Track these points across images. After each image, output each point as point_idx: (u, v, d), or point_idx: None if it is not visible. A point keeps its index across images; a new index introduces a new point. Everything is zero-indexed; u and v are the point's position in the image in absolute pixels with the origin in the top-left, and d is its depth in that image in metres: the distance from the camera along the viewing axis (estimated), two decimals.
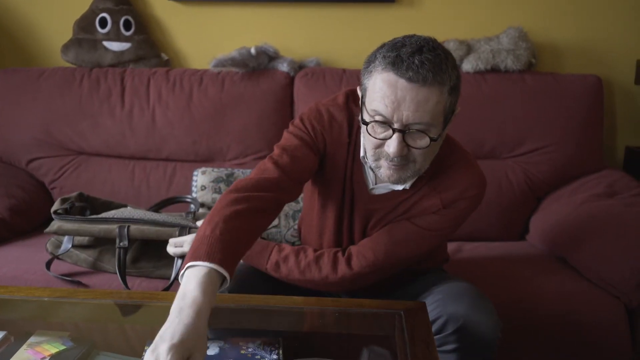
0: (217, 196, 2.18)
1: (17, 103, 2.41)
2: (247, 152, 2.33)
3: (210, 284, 1.14)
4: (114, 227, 1.79)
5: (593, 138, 2.33)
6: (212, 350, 1.36)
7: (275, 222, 1.97)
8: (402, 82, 1.25)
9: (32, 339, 1.39)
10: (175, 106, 2.36)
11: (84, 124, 2.38)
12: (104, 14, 2.46)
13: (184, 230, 1.74)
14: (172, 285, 1.73)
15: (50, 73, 2.44)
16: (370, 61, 1.32)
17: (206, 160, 2.37)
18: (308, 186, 1.61)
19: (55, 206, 1.86)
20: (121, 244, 1.78)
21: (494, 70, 2.33)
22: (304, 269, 1.49)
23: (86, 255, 1.87)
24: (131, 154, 2.40)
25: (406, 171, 1.34)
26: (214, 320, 1.48)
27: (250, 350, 1.37)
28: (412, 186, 1.44)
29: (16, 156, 2.44)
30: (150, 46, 2.53)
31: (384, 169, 1.35)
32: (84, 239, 1.87)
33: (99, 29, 2.47)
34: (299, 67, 2.45)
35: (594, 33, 2.49)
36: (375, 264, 1.47)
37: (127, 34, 2.48)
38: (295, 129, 1.48)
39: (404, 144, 1.28)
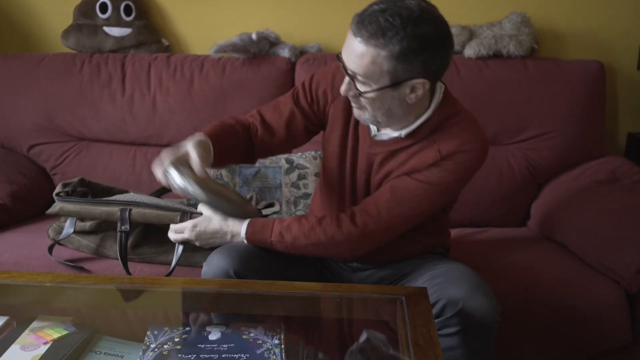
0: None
1: (18, 89, 2.41)
2: None
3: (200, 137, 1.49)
4: (116, 210, 1.78)
5: (595, 124, 2.32)
6: (215, 335, 1.37)
7: (277, 207, 1.97)
8: (351, 34, 1.37)
9: (34, 324, 1.40)
10: (176, 92, 2.35)
11: (85, 109, 2.38)
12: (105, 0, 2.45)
13: (185, 215, 1.74)
14: (174, 271, 1.74)
15: (50, 59, 2.43)
16: None
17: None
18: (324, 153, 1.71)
19: (57, 190, 1.87)
20: (122, 227, 1.78)
21: (497, 55, 2.32)
22: (308, 232, 1.51)
23: (88, 242, 1.88)
24: (132, 140, 2.40)
25: (363, 114, 1.47)
26: (217, 306, 1.49)
27: (252, 335, 1.38)
28: (411, 137, 1.51)
29: (17, 142, 2.44)
30: (151, 32, 2.52)
31: (353, 107, 1.51)
32: (85, 225, 1.87)
33: (100, 15, 2.46)
34: (300, 52, 2.44)
35: (596, 19, 2.48)
36: (378, 220, 1.49)
37: (128, 19, 2.47)
38: (299, 87, 1.66)
39: (349, 86, 1.42)
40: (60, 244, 1.89)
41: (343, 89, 1.44)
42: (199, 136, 1.50)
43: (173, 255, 1.76)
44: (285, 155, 2.21)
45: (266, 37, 2.38)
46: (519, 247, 2.06)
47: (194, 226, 1.60)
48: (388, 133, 1.54)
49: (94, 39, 2.46)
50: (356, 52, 1.36)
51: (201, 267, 1.60)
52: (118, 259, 1.78)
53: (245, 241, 1.56)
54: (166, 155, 1.45)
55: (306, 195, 2.16)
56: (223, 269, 1.50)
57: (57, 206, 1.82)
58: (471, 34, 2.39)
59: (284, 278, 1.54)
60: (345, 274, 1.71)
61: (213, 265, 1.53)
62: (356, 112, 1.50)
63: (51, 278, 1.47)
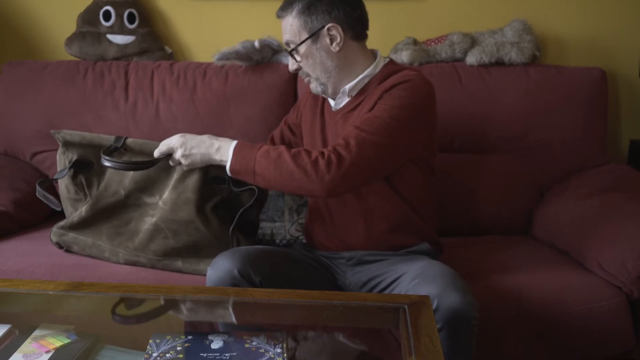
0: None
1: (21, 96, 2.41)
2: None
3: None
4: (111, 137, 1.82)
5: (597, 131, 2.32)
6: (217, 344, 1.37)
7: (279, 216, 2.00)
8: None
9: (36, 332, 1.40)
10: (179, 99, 2.36)
11: (88, 117, 2.38)
12: (108, 7, 2.46)
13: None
14: (168, 278, 1.74)
15: (54, 66, 2.44)
16: None
17: None
18: None
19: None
20: (114, 144, 1.80)
21: (498, 63, 2.32)
22: (294, 153, 1.58)
23: (84, 237, 1.88)
24: None
25: (312, 82, 1.76)
26: (219, 315, 1.49)
27: (254, 344, 1.38)
28: (362, 93, 1.73)
29: (20, 149, 2.44)
30: (154, 39, 2.53)
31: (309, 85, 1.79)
32: (77, 216, 1.87)
33: (103, 22, 2.47)
34: None
35: (598, 26, 2.48)
36: (348, 146, 1.57)
37: (131, 27, 2.48)
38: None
39: (292, 61, 1.75)
40: (61, 247, 1.89)
41: (289, 65, 1.75)
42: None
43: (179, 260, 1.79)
44: None
45: (269, 45, 2.38)
46: (520, 253, 2.06)
47: (182, 135, 1.68)
48: (342, 100, 1.76)
49: (97, 46, 2.47)
50: (283, 27, 1.73)
51: (204, 275, 1.61)
52: (115, 262, 1.82)
53: (230, 154, 1.61)
54: None
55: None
56: (228, 270, 1.54)
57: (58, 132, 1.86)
58: (473, 41, 2.39)
59: (286, 277, 1.60)
60: (340, 274, 1.78)
61: (218, 268, 1.56)
62: (311, 87, 1.77)
63: (54, 286, 1.47)
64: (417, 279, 1.54)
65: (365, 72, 1.73)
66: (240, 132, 2.33)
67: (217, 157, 1.63)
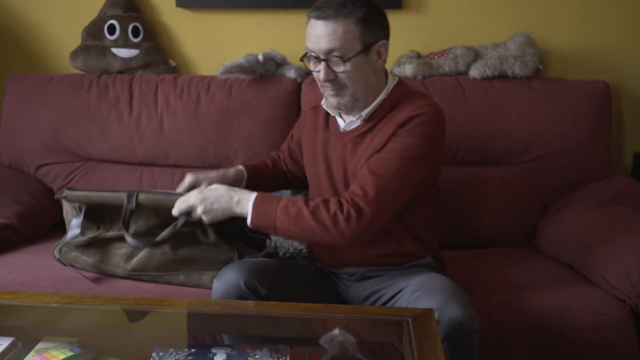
0: None
1: (26, 109, 2.42)
2: (254, 158, 2.33)
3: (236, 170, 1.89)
4: (123, 196, 1.79)
5: (601, 144, 2.32)
6: (220, 357, 1.37)
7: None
8: (316, 22, 1.59)
9: (40, 345, 1.40)
10: (182, 112, 2.37)
11: (92, 130, 2.39)
12: (113, 21, 2.48)
13: None
14: (171, 290, 1.73)
15: (58, 79, 2.45)
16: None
17: (213, 166, 2.37)
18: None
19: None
20: (128, 206, 1.79)
21: (502, 76, 2.32)
22: (313, 209, 1.57)
23: (86, 257, 1.88)
24: (139, 160, 2.41)
25: (343, 96, 1.65)
26: (222, 327, 1.48)
27: (257, 357, 1.37)
28: (372, 118, 1.68)
29: (25, 162, 2.45)
30: (158, 53, 2.54)
31: (329, 98, 1.68)
32: (85, 239, 1.87)
33: (108, 36, 2.49)
34: (306, 73, 2.45)
35: (601, 39, 2.48)
36: (367, 199, 1.56)
37: (136, 40, 2.50)
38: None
39: (328, 69, 1.61)
40: (64, 264, 1.89)
41: (323, 74, 1.61)
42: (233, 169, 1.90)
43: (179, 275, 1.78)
44: None
45: (272, 58, 2.39)
46: (524, 265, 2.05)
47: (200, 191, 1.68)
48: (353, 121, 1.70)
49: (101, 60, 2.48)
50: (326, 31, 1.57)
51: (209, 288, 1.61)
52: (118, 277, 1.80)
53: (250, 209, 1.60)
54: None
55: None
56: (234, 282, 1.54)
57: (64, 193, 1.83)
58: (476, 54, 2.40)
59: (292, 290, 1.61)
60: (342, 287, 1.77)
61: (224, 280, 1.57)
62: (333, 101, 1.67)
63: (57, 299, 1.47)
64: (418, 292, 1.54)
65: (380, 97, 1.69)
66: (244, 145, 2.34)
67: (238, 209, 1.63)
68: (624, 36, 2.48)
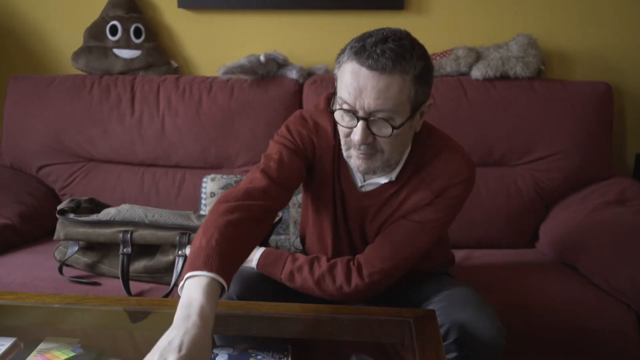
0: None
1: (28, 110, 2.43)
2: (256, 159, 2.33)
3: (213, 293, 1.15)
4: (117, 234, 1.80)
5: (603, 145, 2.32)
6: (221, 358, 1.36)
7: (284, 229, 1.98)
8: (363, 71, 1.27)
9: (41, 346, 1.40)
10: (184, 113, 2.37)
11: (94, 131, 2.39)
12: (115, 22, 2.48)
13: (184, 236, 1.76)
14: (172, 292, 1.75)
15: (60, 80, 2.46)
16: (341, 52, 1.36)
17: (215, 167, 2.38)
18: (302, 195, 1.66)
19: (62, 205, 1.88)
20: (125, 250, 1.80)
21: (503, 77, 2.33)
22: (318, 279, 1.49)
23: (85, 258, 1.88)
24: (140, 160, 2.41)
25: (375, 161, 1.37)
26: (223, 328, 1.48)
27: (259, 357, 1.37)
28: (399, 178, 1.46)
29: (26, 163, 2.45)
30: (160, 54, 2.54)
31: (354, 159, 1.39)
32: (84, 242, 1.88)
33: (110, 37, 2.49)
34: (308, 74, 2.45)
35: (603, 40, 2.48)
36: (383, 270, 1.47)
37: (137, 41, 2.50)
38: (280, 137, 1.52)
39: (368, 131, 1.31)
40: (67, 265, 1.89)
41: (360, 136, 1.31)
42: (211, 303, 1.15)
43: (171, 275, 1.78)
44: None
45: (274, 59, 2.40)
46: (527, 268, 2.05)
47: None
48: (377, 181, 1.49)
49: (103, 60, 2.48)
50: (377, 87, 1.27)
51: None
52: (115, 277, 1.81)
53: (254, 269, 1.56)
54: None
55: None
56: (226, 296, 1.49)
57: (61, 232, 1.84)
58: (478, 55, 2.40)
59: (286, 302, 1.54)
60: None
61: None
62: (361, 165, 1.38)
63: (58, 299, 1.47)
64: (444, 302, 1.48)
65: (406, 155, 1.46)
66: (245, 145, 2.34)
67: (244, 264, 1.52)
68: (625, 37, 2.48)
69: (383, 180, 1.47)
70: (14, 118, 2.44)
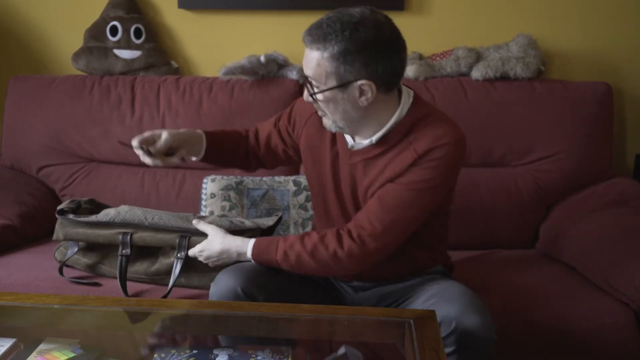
0: (226, 204, 2.19)
1: (28, 110, 2.43)
2: None
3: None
4: (117, 235, 1.80)
5: (603, 146, 2.32)
6: (222, 358, 1.37)
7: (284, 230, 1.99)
8: (304, 42, 1.50)
9: (41, 346, 1.40)
10: (185, 114, 2.37)
11: (95, 131, 2.39)
12: (115, 22, 2.48)
13: (183, 238, 1.76)
14: (170, 292, 1.74)
15: (61, 81, 2.46)
16: None
17: (215, 167, 2.37)
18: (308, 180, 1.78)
19: (62, 205, 1.88)
20: (123, 251, 1.80)
21: (503, 77, 2.32)
22: (311, 250, 1.53)
23: (85, 259, 1.88)
24: (141, 161, 2.39)
25: (327, 119, 1.56)
26: (224, 328, 1.48)
27: (259, 358, 1.37)
28: (384, 142, 1.56)
29: (27, 163, 2.45)
30: (161, 54, 2.54)
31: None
32: (84, 243, 1.88)
33: (110, 37, 2.49)
34: None
35: (603, 40, 2.48)
36: (374, 232, 1.51)
37: (138, 42, 2.50)
38: (283, 111, 1.84)
39: (307, 93, 1.53)
40: (67, 266, 1.89)
41: (304, 94, 1.54)
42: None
43: (169, 276, 1.78)
44: (293, 177, 2.21)
45: (274, 60, 2.40)
46: (527, 268, 2.05)
47: (201, 251, 1.67)
48: (362, 142, 1.59)
49: (104, 61, 2.49)
50: (307, 58, 1.49)
51: (208, 289, 1.61)
52: (114, 278, 1.80)
53: (251, 259, 1.60)
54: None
55: None
56: (231, 288, 1.52)
57: (59, 232, 1.84)
58: (478, 56, 2.40)
59: (290, 296, 1.56)
60: (347, 295, 1.73)
61: (220, 285, 1.54)
62: (324, 121, 1.58)
63: (59, 300, 1.47)
64: (434, 298, 1.51)
65: (392, 121, 1.54)
66: None
67: (242, 259, 1.63)
68: (625, 38, 2.48)
69: (365, 142, 1.58)
70: (15, 118, 2.44)
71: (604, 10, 2.46)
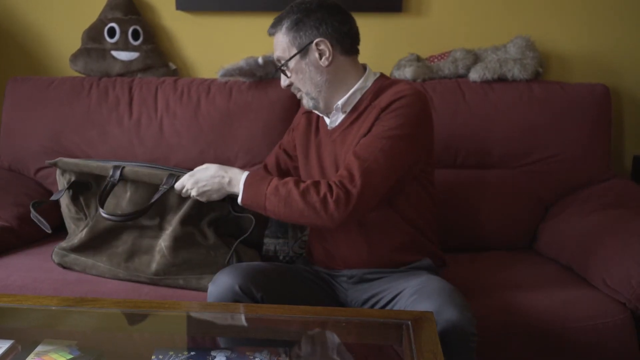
0: None
1: (26, 112, 2.42)
2: (255, 161, 2.34)
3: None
4: (109, 169, 1.82)
5: (601, 147, 2.32)
6: None
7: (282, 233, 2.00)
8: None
9: (39, 348, 1.40)
10: (182, 115, 2.37)
11: (92, 132, 2.39)
12: (113, 24, 2.48)
13: (172, 177, 1.78)
14: (170, 293, 1.75)
15: (59, 82, 2.46)
16: None
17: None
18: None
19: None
20: (112, 179, 1.81)
21: (501, 79, 2.33)
22: (303, 190, 1.58)
23: (85, 259, 1.88)
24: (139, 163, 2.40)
25: (304, 98, 1.76)
26: (221, 330, 1.48)
27: (257, 359, 1.37)
28: (354, 110, 1.73)
29: (25, 165, 2.45)
30: (159, 56, 2.54)
31: (301, 101, 1.78)
32: (77, 238, 1.87)
33: (108, 39, 2.49)
34: None
35: (601, 42, 2.49)
36: (353, 181, 1.58)
37: (136, 43, 2.50)
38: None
39: (283, 78, 1.76)
40: (66, 268, 1.90)
41: (282, 82, 1.77)
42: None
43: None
44: None
45: (272, 61, 2.39)
46: (525, 269, 2.05)
47: (192, 174, 1.72)
48: (337, 117, 1.76)
49: (102, 62, 2.49)
50: (274, 45, 1.74)
51: (206, 291, 1.61)
52: (114, 278, 1.82)
53: (241, 188, 1.64)
54: None
55: None
56: (229, 286, 1.53)
57: (55, 161, 1.88)
58: (476, 57, 2.40)
59: (287, 294, 1.59)
60: (341, 291, 1.76)
61: (219, 284, 1.56)
62: (303, 102, 1.77)
63: (57, 301, 1.47)
64: (415, 294, 1.54)
65: (356, 86, 1.72)
66: (244, 148, 2.34)
67: (230, 189, 1.67)
68: (623, 39, 2.48)
69: (340, 115, 1.76)
70: (13, 120, 2.44)
71: (602, 12, 2.46)
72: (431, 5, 2.50)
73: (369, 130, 1.65)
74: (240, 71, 2.36)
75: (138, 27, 2.50)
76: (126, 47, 2.49)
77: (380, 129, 1.63)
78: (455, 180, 2.26)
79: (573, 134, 2.28)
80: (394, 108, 1.64)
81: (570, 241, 2.04)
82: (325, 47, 1.68)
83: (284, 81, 1.76)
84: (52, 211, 2.30)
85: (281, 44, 1.72)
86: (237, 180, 1.66)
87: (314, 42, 1.68)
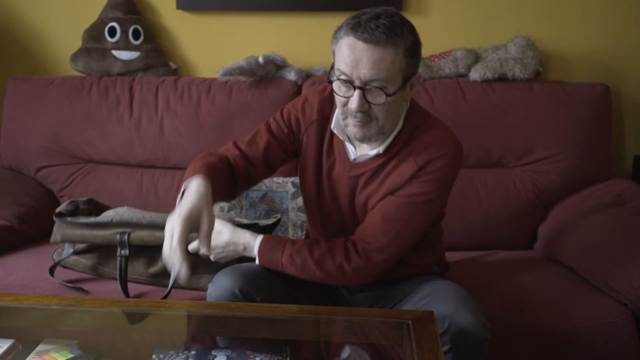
0: (225, 204, 2.19)
1: (27, 111, 2.42)
2: None
3: (200, 182, 1.40)
4: (115, 235, 1.79)
5: (601, 147, 2.32)
6: (220, 359, 1.36)
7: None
8: (359, 44, 1.39)
9: (40, 347, 1.40)
10: (183, 115, 2.37)
11: (93, 132, 2.39)
12: (113, 23, 2.48)
13: None
14: (170, 294, 1.74)
15: (59, 82, 2.46)
16: (338, 29, 1.47)
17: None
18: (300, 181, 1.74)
19: (60, 207, 1.87)
20: (122, 252, 1.79)
21: (502, 78, 2.33)
22: (318, 258, 1.52)
23: (85, 260, 1.88)
24: (139, 162, 2.41)
25: (370, 128, 1.48)
26: (222, 330, 1.48)
27: (257, 359, 1.37)
28: (387, 151, 1.55)
29: (25, 164, 2.45)
30: (159, 55, 2.54)
31: (351, 127, 1.49)
32: (83, 245, 1.88)
33: (108, 38, 2.49)
34: (307, 75, 2.45)
35: (602, 42, 2.49)
36: (378, 247, 1.51)
37: (136, 43, 2.50)
38: (272, 119, 1.70)
39: (364, 100, 1.42)
40: (64, 267, 1.89)
41: (356, 104, 1.42)
42: (202, 183, 1.40)
43: (169, 276, 1.78)
44: (292, 179, 2.21)
45: (273, 61, 2.40)
46: (525, 269, 2.05)
47: None
48: (367, 153, 1.57)
49: (102, 62, 2.49)
50: (372, 58, 1.39)
51: (205, 290, 1.61)
52: (114, 279, 1.80)
53: (256, 255, 1.59)
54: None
55: None
56: (228, 288, 1.52)
57: (57, 234, 1.84)
58: (476, 57, 2.40)
59: (287, 296, 1.57)
60: (343, 297, 1.74)
61: (218, 285, 1.54)
62: (357, 132, 1.48)
63: (57, 301, 1.47)
64: (428, 297, 1.52)
65: (396, 130, 1.55)
66: None
67: (246, 254, 1.62)
68: (624, 39, 2.48)
69: (373, 152, 1.56)
70: (13, 119, 2.44)
71: (602, 11, 2.46)
72: (432, 5, 2.50)
73: (400, 187, 1.53)
74: (241, 70, 2.36)
75: (138, 27, 2.50)
76: (127, 46, 2.49)
77: (415, 191, 1.52)
78: (456, 180, 2.25)
79: (573, 134, 2.28)
80: (431, 170, 1.51)
81: (570, 241, 2.04)
82: (417, 82, 1.50)
83: (361, 105, 1.42)
84: (51, 212, 2.31)
85: (392, 65, 1.40)
86: (251, 247, 1.60)
87: (416, 75, 1.48)
